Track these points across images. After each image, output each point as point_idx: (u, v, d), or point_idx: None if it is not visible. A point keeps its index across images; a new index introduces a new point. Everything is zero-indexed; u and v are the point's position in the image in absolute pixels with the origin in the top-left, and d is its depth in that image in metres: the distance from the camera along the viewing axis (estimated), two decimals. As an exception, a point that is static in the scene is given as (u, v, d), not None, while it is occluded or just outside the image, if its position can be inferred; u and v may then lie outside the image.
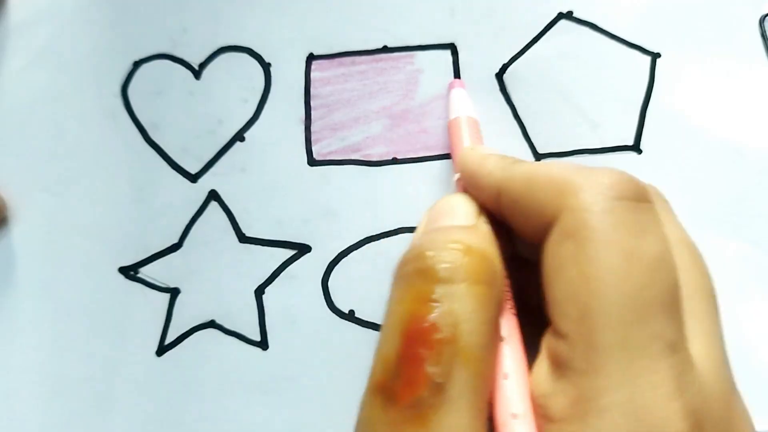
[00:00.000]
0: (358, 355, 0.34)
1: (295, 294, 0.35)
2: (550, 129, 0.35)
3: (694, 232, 0.34)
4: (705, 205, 0.34)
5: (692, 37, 0.35)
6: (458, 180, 0.29)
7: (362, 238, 0.35)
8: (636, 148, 0.35)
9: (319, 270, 0.35)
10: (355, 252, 0.35)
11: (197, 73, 0.36)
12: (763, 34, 0.35)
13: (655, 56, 0.35)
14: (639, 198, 0.22)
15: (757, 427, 0.24)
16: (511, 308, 0.24)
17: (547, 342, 0.21)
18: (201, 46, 0.36)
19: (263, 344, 0.34)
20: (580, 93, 0.35)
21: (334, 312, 0.34)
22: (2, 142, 0.36)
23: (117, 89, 0.36)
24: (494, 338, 0.22)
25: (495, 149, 0.29)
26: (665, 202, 0.25)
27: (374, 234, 0.35)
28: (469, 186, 0.27)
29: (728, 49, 0.35)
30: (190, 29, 0.36)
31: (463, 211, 0.26)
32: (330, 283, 0.35)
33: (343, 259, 0.35)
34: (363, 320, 0.34)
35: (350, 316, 0.34)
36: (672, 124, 0.35)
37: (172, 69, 0.36)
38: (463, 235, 0.23)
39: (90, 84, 0.36)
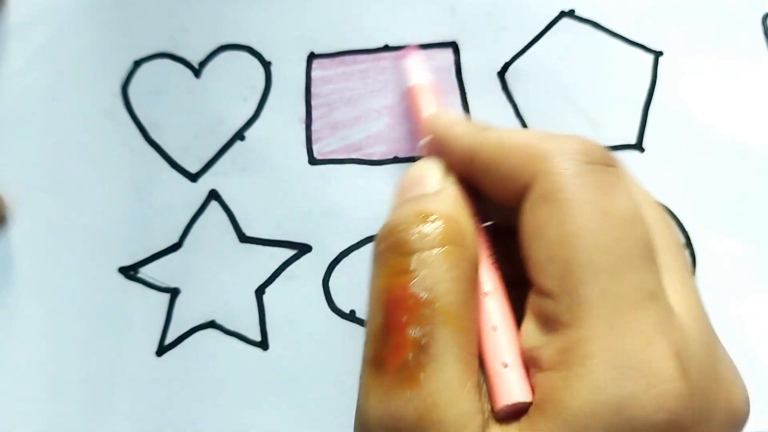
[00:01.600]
0: (358, 355, 0.34)
1: (296, 294, 0.35)
2: (552, 128, 0.35)
3: (695, 230, 0.34)
4: (706, 204, 0.34)
5: (695, 36, 0.35)
6: (426, 144, 0.29)
7: (363, 237, 0.35)
8: (638, 146, 0.35)
9: (319, 270, 0.35)
10: (355, 252, 0.35)
11: (197, 72, 0.36)
12: (765, 33, 0.35)
13: (657, 54, 0.35)
14: (607, 162, 0.23)
15: (757, 427, 0.24)
16: (493, 263, 0.25)
17: (532, 302, 0.23)
18: (201, 45, 0.36)
19: (263, 344, 0.34)
20: (582, 91, 0.35)
21: (334, 312, 0.34)
22: (2, 141, 0.36)
23: (117, 88, 0.36)
24: (473, 294, 0.23)
25: (460, 114, 0.31)
26: (626, 169, 0.25)
27: (375, 233, 0.35)
28: (437, 150, 0.28)
29: (731, 48, 0.35)
30: (190, 28, 0.36)
31: (430, 178, 0.27)
32: (331, 283, 0.35)
33: (344, 259, 0.35)
34: (364, 320, 0.34)
35: (351, 316, 0.34)
36: (674, 123, 0.34)
37: (172, 68, 0.36)
38: (428, 203, 0.25)
39: (90, 83, 0.36)
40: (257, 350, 0.34)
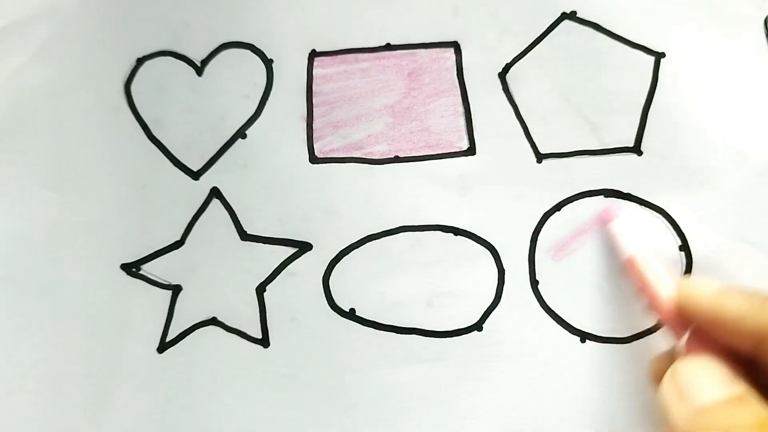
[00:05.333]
0: (358, 353, 0.34)
1: (296, 292, 0.35)
2: (553, 129, 0.35)
3: (695, 233, 0.34)
4: (705, 206, 0.34)
5: (696, 38, 0.35)
6: (690, 337, 0.28)
7: (363, 236, 0.35)
8: (637, 149, 0.35)
9: (320, 268, 0.35)
10: (356, 250, 0.35)
11: (199, 70, 0.36)
12: (767, 36, 0.35)
13: (659, 56, 0.35)
14: None
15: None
16: None
17: None
18: (203, 43, 0.36)
19: (264, 342, 0.35)
20: (582, 93, 0.35)
21: (334, 310, 0.35)
22: (5, 138, 0.36)
23: (120, 86, 0.36)
24: None
25: (710, 282, 0.29)
26: None
27: (375, 232, 0.35)
28: (708, 333, 0.27)
29: (732, 50, 0.35)
30: (192, 25, 0.36)
31: (721, 377, 0.26)
32: (331, 281, 0.35)
33: (344, 258, 0.35)
34: (363, 318, 0.34)
35: (351, 315, 0.35)
36: (674, 125, 0.35)
37: (174, 66, 0.36)
38: (752, 411, 0.24)
39: (92, 81, 0.36)
40: (258, 347, 0.35)
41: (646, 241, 0.33)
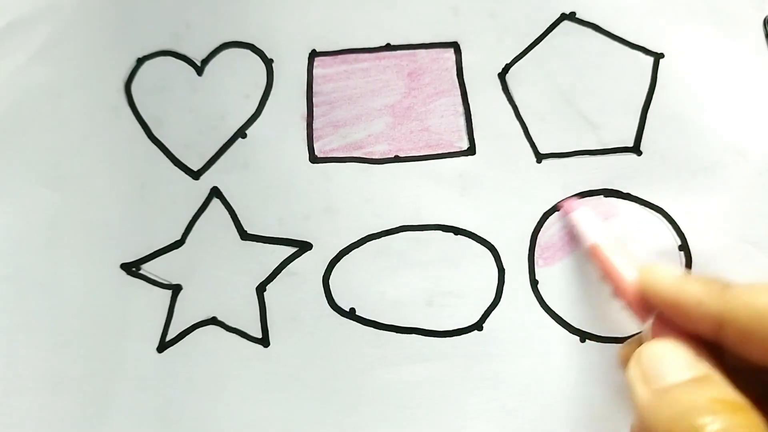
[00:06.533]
0: (358, 353, 0.34)
1: (297, 291, 0.35)
2: (552, 129, 0.35)
3: (695, 234, 0.34)
4: (704, 206, 0.34)
5: (695, 39, 0.35)
6: (654, 321, 0.29)
7: (363, 236, 0.35)
8: (636, 149, 0.35)
9: (320, 267, 0.35)
10: (356, 250, 0.35)
11: (200, 70, 0.36)
12: (767, 35, 0.35)
13: (658, 57, 0.35)
14: None
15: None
16: None
17: None
18: (203, 43, 0.36)
19: (264, 341, 0.35)
20: (582, 94, 0.35)
21: (335, 310, 0.35)
22: (5, 138, 0.36)
23: (120, 86, 0.36)
24: None
25: (671, 268, 0.29)
26: None
27: (376, 232, 0.35)
28: (670, 318, 0.28)
29: (732, 50, 0.35)
30: (192, 25, 0.36)
31: (685, 359, 0.26)
32: (331, 281, 0.35)
33: (345, 257, 0.35)
34: (364, 318, 0.34)
35: (351, 314, 0.35)
36: (673, 126, 0.35)
37: (174, 65, 0.36)
38: (713, 391, 0.24)
39: (93, 81, 0.36)
40: (258, 347, 0.35)
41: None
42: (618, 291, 0.31)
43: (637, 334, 0.33)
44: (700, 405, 0.24)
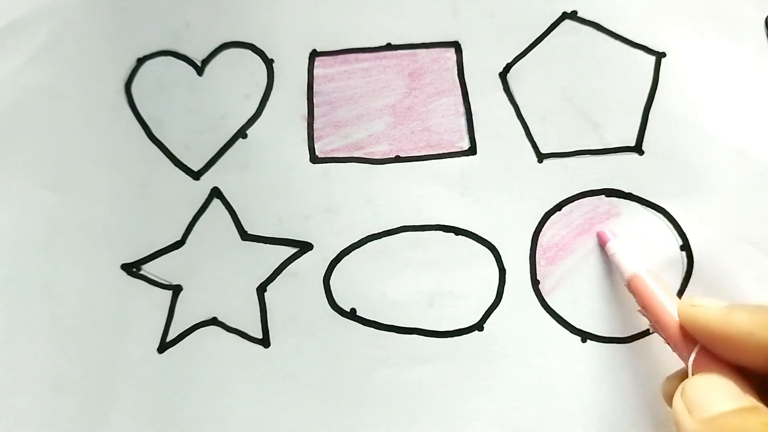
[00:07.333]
0: (359, 354, 0.34)
1: (297, 292, 0.35)
2: (553, 129, 0.35)
3: (696, 233, 0.34)
4: (706, 206, 0.34)
5: (697, 38, 0.35)
6: (696, 357, 0.28)
7: (364, 236, 0.35)
8: (638, 149, 0.35)
9: (320, 268, 0.35)
10: (356, 250, 0.35)
11: (200, 70, 0.36)
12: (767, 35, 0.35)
13: (659, 56, 0.35)
14: None
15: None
16: None
17: None
18: (203, 43, 0.36)
19: (265, 342, 0.35)
20: (583, 93, 0.35)
21: (335, 310, 0.35)
22: (5, 138, 0.36)
23: (120, 86, 0.36)
24: None
25: (713, 300, 0.28)
26: None
27: (376, 232, 0.35)
28: (716, 351, 0.27)
29: (733, 50, 0.35)
30: (192, 25, 0.36)
31: (732, 391, 0.26)
32: (332, 281, 0.35)
33: (345, 258, 0.35)
34: (364, 318, 0.34)
35: (351, 315, 0.34)
36: (675, 125, 0.35)
37: (174, 65, 0.36)
38: (763, 417, 0.24)
39: (93, 81, 0.36)
40: (258, 347, 0.35)
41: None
42: (659, 325, 0.30)
43: (644, 334, 0.33)
44: (752, 428, 0.23)
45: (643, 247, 0.34)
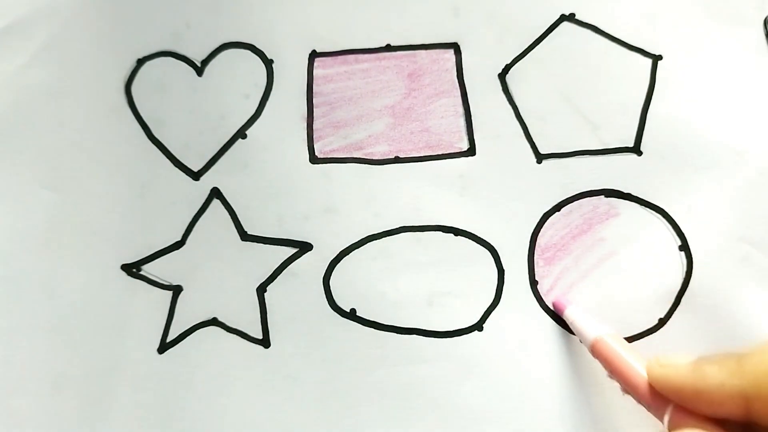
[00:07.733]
0: (359, 354, 0.34)
1: (297, 292, 0.35)
2: (552, 130, 0.35)
3: (695, 233, 0.34)
4: (705, 206, 0.34)
5: (694, 40, 0.35)
6: (672, 415, 0.27)
7: (364, 236, 0.35)
8: (636, 149, 0.35)
9: (320, 268, 0.35)
10: (356, 251, 0.35)
11: (200, 70, 0.36)
12: (767, 36, 0.35)
13: (656, 59, 0.35)
14: None
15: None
16: None
17: None
18: (203, 43, 0.36)
19: (265, 342, 0.35)
20: (581, 94, 0.35)
21: (335, 310, 0.35)
22: (5, 138, 0.36)
23: (120, 86, 0.36)
24: None
25: (681, 356, 0.28)
26: None
27: (376, 233, 0.35)
28: (694, 408, 0.27)
29: (732, 50, 0.35)
30: (192, 25, 0.36)
31: None
32: (331, 282, 0.35)
33: (345, 258, 0.35)
34: (364, 319, 0.34)
35: (351, 315, 0.35)
36: (673, 126, 0.35)
37: (174, 66, 0.36)
38: None
39: (93, 81, 0.36)
40: (258, 348, 0.35)
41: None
42: (629, 387, 0.30)
43: (644, 334, 0.34)
44: None
45: (644, 247, 0.34)
